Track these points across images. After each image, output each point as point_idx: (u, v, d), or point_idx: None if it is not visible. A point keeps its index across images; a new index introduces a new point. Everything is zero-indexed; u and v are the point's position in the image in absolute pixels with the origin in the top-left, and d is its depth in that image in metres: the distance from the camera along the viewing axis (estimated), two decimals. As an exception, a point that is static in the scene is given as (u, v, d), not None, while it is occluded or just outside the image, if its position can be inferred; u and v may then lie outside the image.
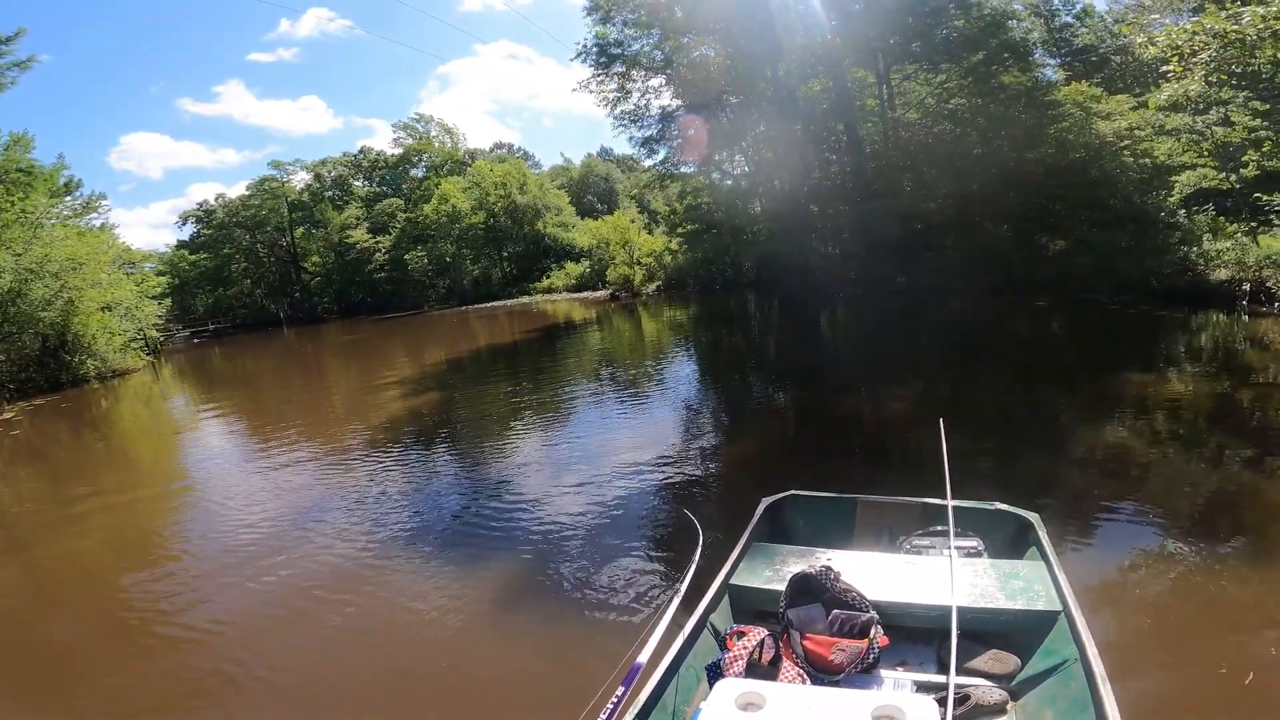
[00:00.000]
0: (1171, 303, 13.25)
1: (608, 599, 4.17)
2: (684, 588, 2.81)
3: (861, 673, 2.57)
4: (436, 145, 53.36)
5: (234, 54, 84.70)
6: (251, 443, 10.65)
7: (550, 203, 47.17)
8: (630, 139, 30.76)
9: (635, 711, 2.21)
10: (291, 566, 5.23)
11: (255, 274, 52.23)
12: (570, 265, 41.48)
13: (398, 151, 52.99)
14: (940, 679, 2.53)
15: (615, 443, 7.77)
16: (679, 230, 32.49)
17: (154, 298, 27.42)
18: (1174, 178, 16.76)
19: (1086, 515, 4.65)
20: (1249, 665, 3.03)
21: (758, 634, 2.62)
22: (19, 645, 4.59)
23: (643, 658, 2.34)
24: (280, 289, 52.62)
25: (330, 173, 53.67)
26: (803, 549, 3.35)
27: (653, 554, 4.78)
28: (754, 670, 2.48)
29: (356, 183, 54.54)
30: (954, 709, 2.00)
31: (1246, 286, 12.47)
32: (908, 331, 14.59)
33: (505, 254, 46.42)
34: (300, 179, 52.48)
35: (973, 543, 3.28)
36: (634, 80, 27.56)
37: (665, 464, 6.76)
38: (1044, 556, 3.09)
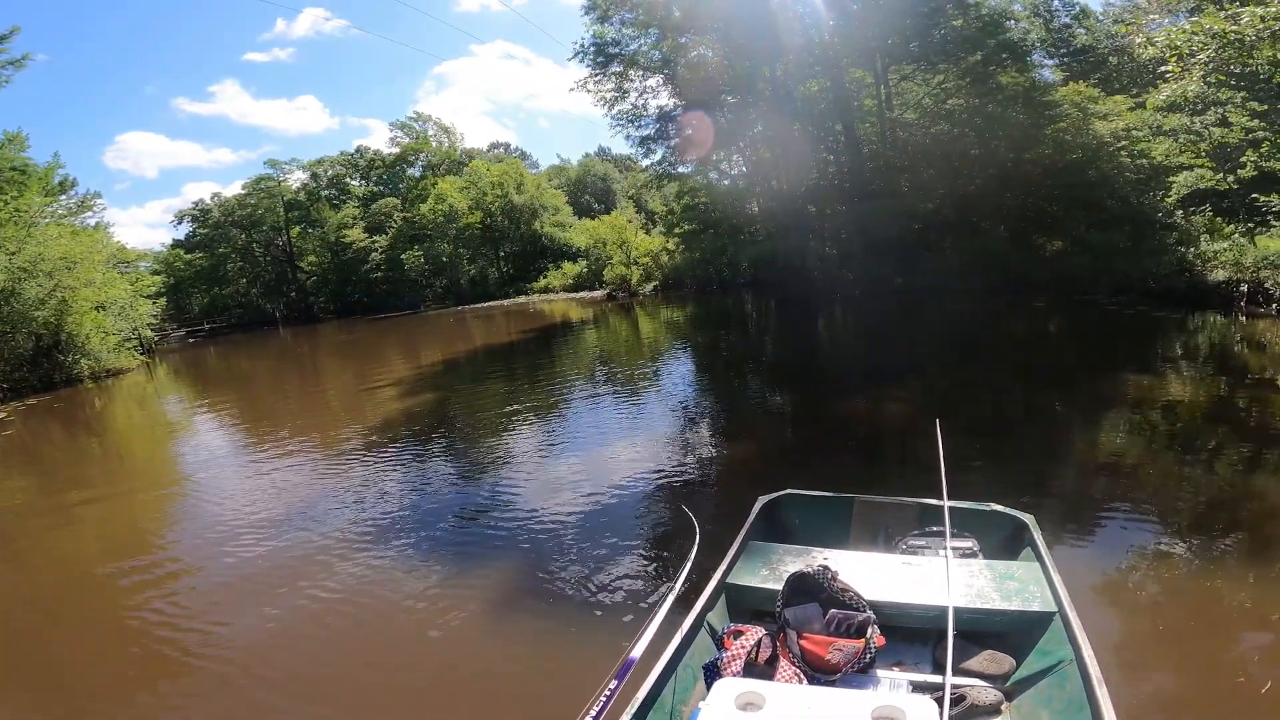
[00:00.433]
0: (1169, 303, 13.26)
1: (604, 597, 4.16)
2: (680, 585, 2.81)
3: (858, 673, 2.57)
4: (434, 145, 53.25)
5: (230, 54, 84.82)
6: (246, 443, 10.59)
7: (547, 202, 47.11)
8: (627, 139, 30.69)
9: (633, 710, 2.21)
10: (288, 566, 5.20)
11: (251, 273, 52.08)
12: (567, 265, 41.43)
13: (395, 151, 52.90)
14: (936, 679, 2.53)
15: (612, 443, 7.75)
16: (676, 230, 32.47)
17: (149, 297, 27.33)
18: (1171, 178, 16.81)
19: (1082, 516, 4.65)
20: (1244, 666, 3.04)
21: (755, 633, 2.61)
22: (10, 645, 4.54)
23: (636, 653, 2.34)
24: (276, 288, 52.47)
25: (327, 172, 53.57)
26: (799, 548, 3.34)
27: (649, 552, 4.77)
28: (751, 670, 2.48)
29: (353, 182, 54.45)
30: (950, 709, 2.00)
31: (1244, 288, 12.48)
32: (905, 332, 14.58)
33: (502, 254, 46.36)
34: (296, 178, 52.43)
35: (968, 543, 3.30)
36: (631, 80, 27.51)
37: (661, 463, 6.73)
38: (1039, 557, 3.10)
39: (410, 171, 52.86)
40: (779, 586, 2.87)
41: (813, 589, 2.83)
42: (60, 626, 4.76)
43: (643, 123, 28.64)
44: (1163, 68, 10.26)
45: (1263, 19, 8.63)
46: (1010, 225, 20.55)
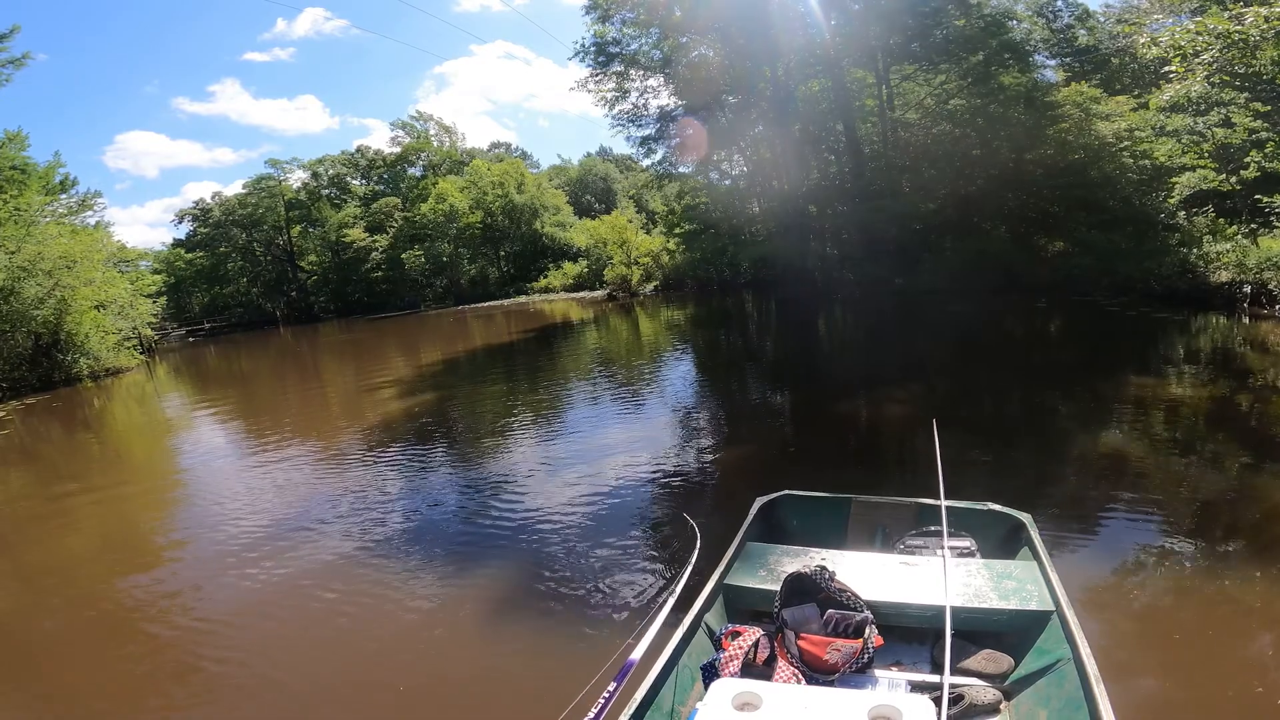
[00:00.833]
0: (1171, 305, 13.22)
1: (603, 598, 4.15)
2: (679, 587, 2.81)
3: (856, 673, 2.58)
4: (435, 144, 53.33)
5: (230, 53, 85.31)
6: (247, 442, 10.56)
7: (548, 202, 47.16)
8: (628, 138, 30.80)
9: (631, 710, 2.21)
10: (285, 565, 5.18)
11: (251, 273, 52.19)
12: (567, 265, 41.47)
13: (396, 150, 52.97)
14: (934, 679, 2.53)
15: (611, 443, 7.72)
16: (677, 230, 32.49)
17: (149, 296, 27.28)
18: (1174, 179, 16.75)
19: (1080, 516, 4.64)
20: (1244, 667, 3.04)
21: (753, 634, 2.61)
22: (10, 646, 4.52)
23: (635, 655, 2.35)
24: (276, 288, 52.56)
25: (327, 171, 53.67)
26: (797, 549, 3.33)
27: (648, 553, 4.75)
28: (749, 670, 2.48)
29: (354, 181, 54.53)
30: (948, 708, 2.00)
31: (1247, 289, 12.43)
32: (906, 332, 14.55)
33: (502, 253, 46.40)
34: (297, 178, 52.59)
35: (966, 543, 3.30)
36: (632, 80, 27.55)
37: (661, 464, 6.71)
38: (1036, 556, 3.10)
39: (411, 171, 52.98)
40: (777, 587, 2.86)
41: (810, 589, 2.82)
42: (61, 626, 4.72)
43: (643, 122, 28.73)
44: (1166, 68, 10.22)
45: (1266, 19, 8.60)
46: (1011, 226, 20.54)
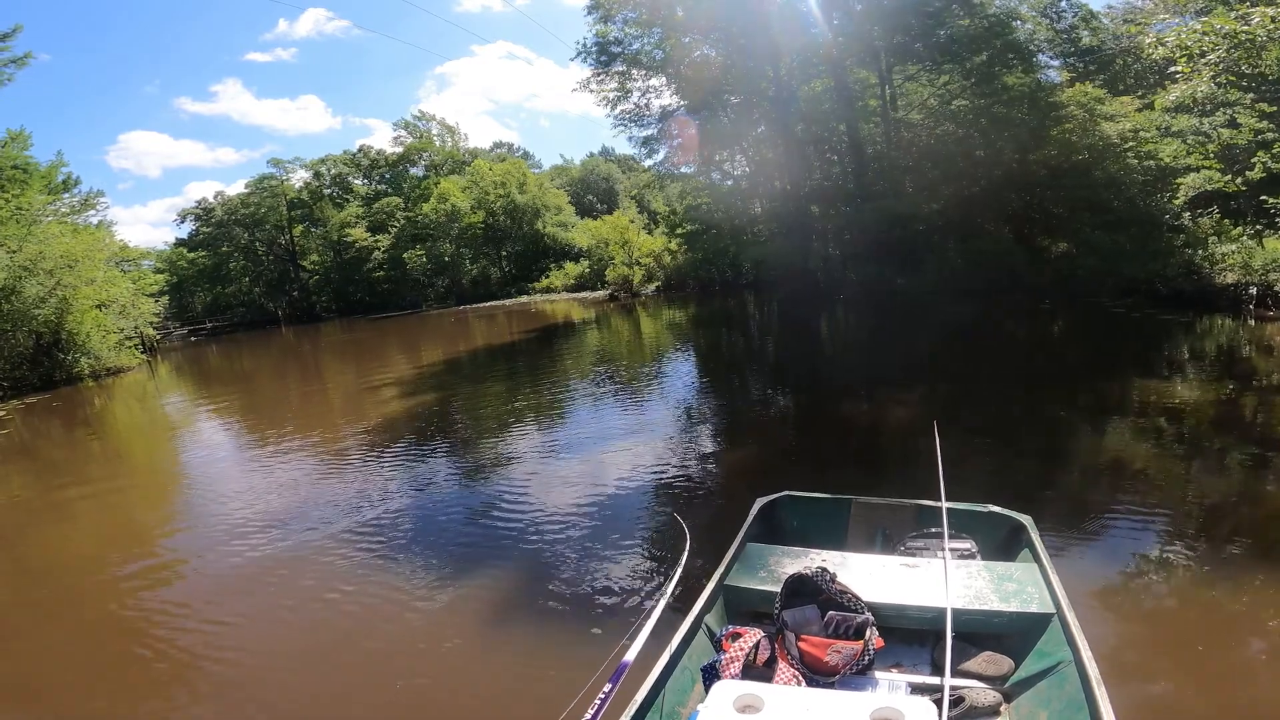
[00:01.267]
0: (1176, 306, 13.16)
1: (603, 598, 4.13)
2: (671, 588, 2.81)
3: (856, 674, 2.56)
4: (437, 144, 53.36)
5: (232, 53, 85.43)
6: (248, 441, 10.56)
7: (550, 202, 47.14)
8: (630, 139, 30.85)
9: (631, 712, 2.20)
10: (287, 565, 5.18)
11: (253, 272, 52.27)
12: (569, 265, 41.47)
13: (398, 150, 53.00)
14: (935, 681, 2.53)
15: (611, 444, 7.70)
16: (678, 230, 32.45)
17: (151, 295, 27.31)
18: (1179, 180, 16.66)
19: (1081, 518, 4.61)
20: (1244, 670, 3.03)
21: (753, 635, 2.61)
22: (6, 642, 4.51)
23: (630, 656, 2.35)
24: (278, 287, 52.63)
25: (330, 171, 53.71)
26: (797, 550, 3.31)
27: (647, 555, 4.74)
28: (749, 671, 2.48)
29: (356, 181, 54.56)
30: (949, 710, 1.99)
31: (1253, 290, 12.37)
32: (907, 333, 14.51)
33: (504, 253, 46.39)
34: (299, 177, 52.63)
35: (966, 545, 3.29)
36: (634, 79, 27.50)
37: (661, 465, 6.69)
38: (1037, 558, 3.09)
39: (413, 171, 53.01)
40: (777, 588, 2.85)
41: (811, 591, 2.81)
42: (61, 627, 4.70)
43: (645, 122, 28.68)
44: (1172, 68, 10.17)
45: (1273, 19, 8.56)
46: (1015, 227, 20.45)
